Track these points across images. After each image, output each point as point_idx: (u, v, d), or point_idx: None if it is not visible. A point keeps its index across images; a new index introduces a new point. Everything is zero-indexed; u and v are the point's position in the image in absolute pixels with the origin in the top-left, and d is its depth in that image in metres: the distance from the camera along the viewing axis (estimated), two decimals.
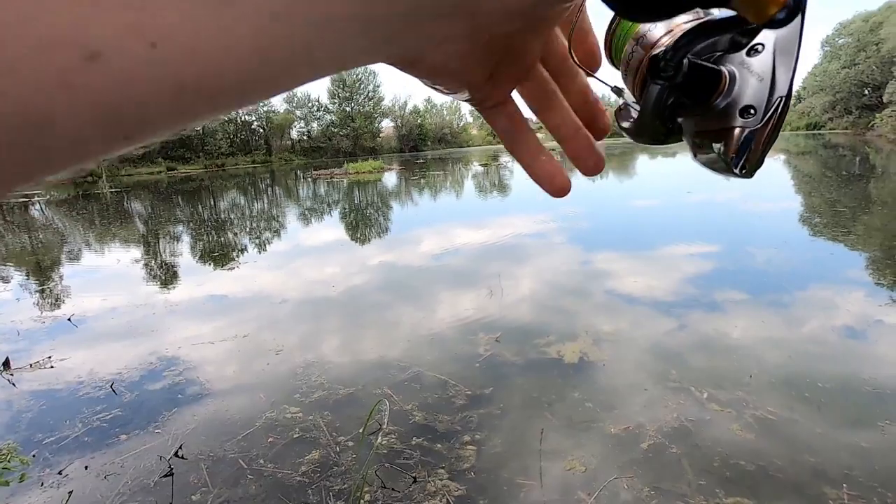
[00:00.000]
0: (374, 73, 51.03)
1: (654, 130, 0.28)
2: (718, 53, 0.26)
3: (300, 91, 50.72)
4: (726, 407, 2.29)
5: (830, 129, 42.66)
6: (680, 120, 0.28)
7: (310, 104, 50.43)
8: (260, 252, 7.05)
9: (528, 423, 2.27)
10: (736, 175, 0.26)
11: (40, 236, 10.04)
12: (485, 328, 3.38)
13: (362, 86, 50.58)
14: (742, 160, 0.25)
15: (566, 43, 0.27)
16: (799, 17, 0.21)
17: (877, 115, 34.10)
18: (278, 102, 49.43)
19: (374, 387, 2.67)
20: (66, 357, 3.38)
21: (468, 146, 55.91)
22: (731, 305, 3.63)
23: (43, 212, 15.52)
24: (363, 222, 9.39)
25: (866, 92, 39.42)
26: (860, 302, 3.57)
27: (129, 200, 17.36)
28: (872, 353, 2.82)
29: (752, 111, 0.24)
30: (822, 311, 3.47)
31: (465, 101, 0.26)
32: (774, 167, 16.57)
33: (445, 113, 56.68)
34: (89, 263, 6.95)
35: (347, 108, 50.00)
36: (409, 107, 54.27)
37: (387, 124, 54.41)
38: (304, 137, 51.26)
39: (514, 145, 0.29)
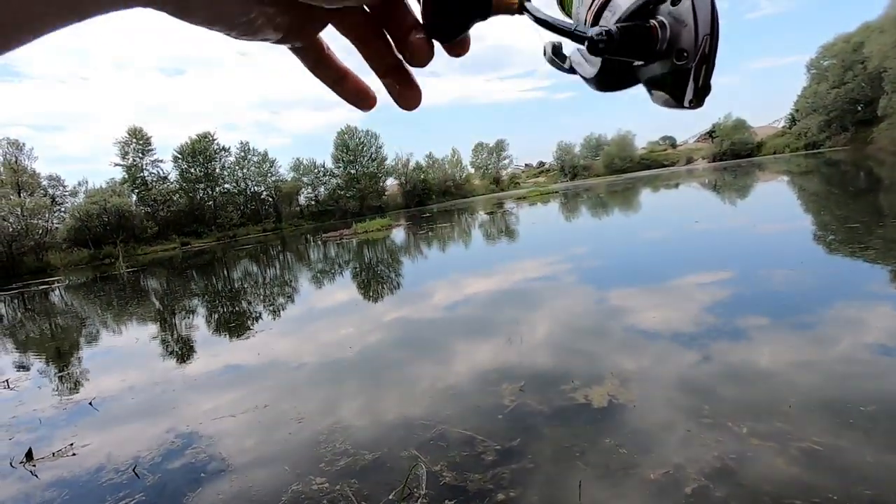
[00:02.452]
0: (375, 135, 52.96)
1: (608, 84, 0.33)
2: (651, 7, 0.29)
3: (306, 158, 52.49)
4: (768, 440, 2.19)
5: (830, 147, 42.89)
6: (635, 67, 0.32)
7: (315, 170, 52.04)
8: (274, 319, 7.07)
9: (563, 475, 2.18)
10: (686, 107, 0.30)
11: (59, 321, 10.19)
12: (507, 378, 3.31)
13: (365, 148, 52.32)
14: (688, 94, 0.29)
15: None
16: None
17: (873, 129, 34.37)
18: (285, 171, 51.17)
19: (400, 449, 2.59)
20: (88, 442, 3.35)
21: (472, 196, 56.81)
22: (756, 331, 3.54)
23: (62, 297, 15.82)
24: (375, 280, 9.44)
25: (859, 108, 39.90)
26: (889, 317, 3.46)
27: (145, 278, 17.68)
28: None
29: (686, 54, 0.28)
30: (851, 329, 3.36)
31: (260, 39, 0.28)
32: (780, 188, 16.57)
33: (447, 166, 58.07)
34: (108, 344, 6.99)
35: (352, 171, 51.49)
36: (412, 164, 55.77)
37: (391, 182, 55.74)
38: (312, 202, 52.54)
39: (321, 75, 0.32)
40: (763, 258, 5.95)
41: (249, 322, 7.01)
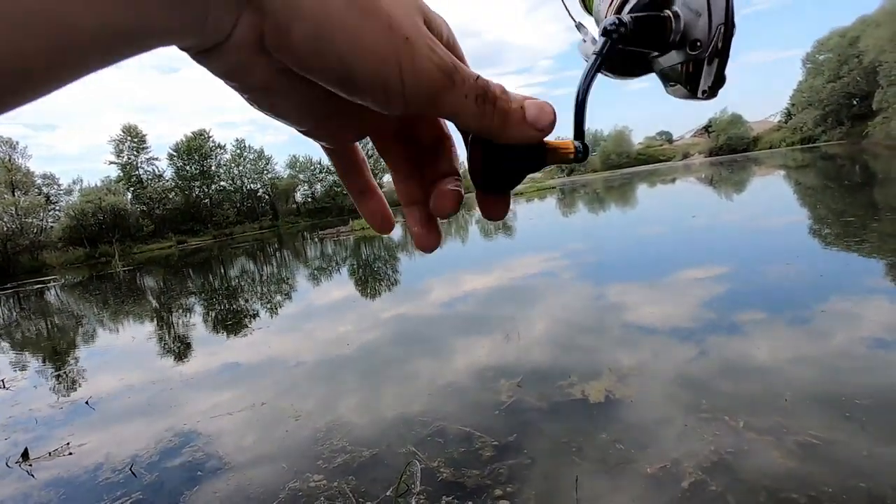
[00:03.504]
0: None
1: (623, 70, 0.33)
2: None
3: (302, 155, 52.37)
4: (765, 434, 2.19)
5: (825, 142, 43.02)
6: (652, 58, 0.32)
7: (312, 167, 51.92)
8: (272, 316, 7.06)
9: (561, 470, 2.18)
10: (700, 98, 0.29)
11: (55, 321, 10.15)
12: (505, 374, 3.31)
13: (362, 144, 52.15)
14: (701, 85, 0.29)
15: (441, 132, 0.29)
16: None
17: (869, 123, 34.47)
18: (281, 168, 51.03)
19: (398, 445, 2.59)
20: (85, 442, 3.34)
21: (469, 192, 56.63)
22: (752, 326, 3.54)
23: (58, 296, 15.76)
24: (372, 277, 9.43)
25: (854, 102, 40.02)
26: (885, 310, 3.48)
27: (142, 277, 17.63)
28: None
29: (699, 43, 0.28)
30: (847, 323, 3.38)
31: (304, 133, 0.27)
32: (776, 182, 16.62)
33: None
34: (104, 343, 6.97)
35: None
36: None
37: (388, 179, 55.58)
38: (309, 199, 52.46)
39: (347, 182, 0.30)
40: (760, 253, 5.97)
41: (247, 320, 7.00)
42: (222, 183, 47.80)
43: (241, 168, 48.65)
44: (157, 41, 0.18)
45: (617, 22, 0.28)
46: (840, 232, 6.48)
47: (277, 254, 19.76)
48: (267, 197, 49.61)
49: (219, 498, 2.41)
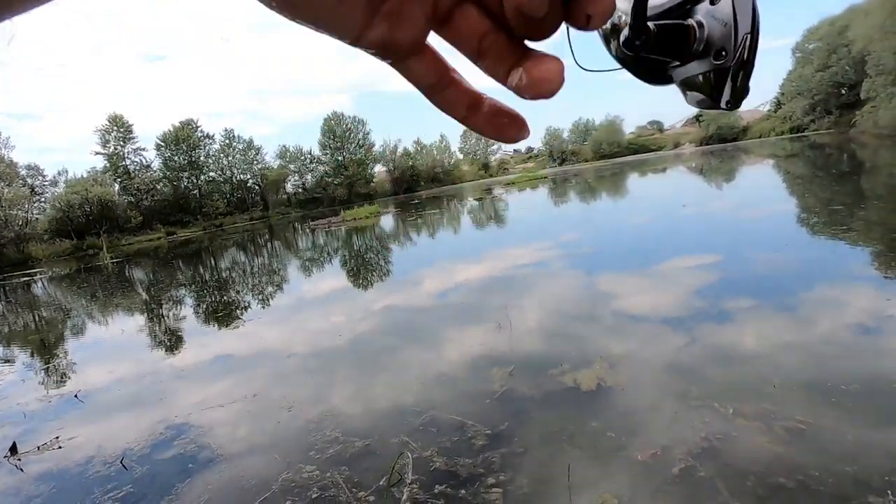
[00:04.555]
0: (362, 121, 52.44)
1: (644, 76, 0.32)
2: (687, 7, 0.29)
3: (292, 145, 51.85)
4: (754, 420, 2.22)
5: (814, 131, 43.34)
6: (670, 68, 0.31)
7: (302, 157, 51.45)
8: (263, 308, 7.02)
9: (553, 458, 2.20)
10: (723, 109, 0.29)
11: (43, 313, 10.02)
12: (497, 363, 3.32)
13: (352, 135, 51.79)
14: (725, 95, 0.28)
15: None
16: None
17: (856, 112, 34.75)
18: (271, 158, 50.51)
19: (391, 435, 2.59)
20: (75, 435, 3.31)
21: (461, 182, 56.66)
22: (741, 313, 3.58)
23: (45, 288, 15.55)
24: (364, 268, 9.40)
25: (843, 91, 40.28)
26: (870, 297, 3.52)
27: (131, 269, 17.44)
28: (891, 348, 2.76)
29: (724, 53, 0.27)
30: (834, 310, 3.42)
31: (355, 44, 0.22)
32: (765, 171, 16.74)
33: (436, 152, 57.77)
34: (94, 336, 6.90)
35: (339, 158, 51.02)
36: (400, 150, 55.36)
37: (379, 169, 55.34)
38: (300, 190, 52.05)
39: (443, 102, 0.24)
40: (749, 241, 6.02)
41: (238, 311, 6.96)
42: (211, 173, 47.22)
43: (230, 158, 48.07)
44: None
45: (639, 32, 0.28)
46: (827, 220, 6.55)
47: (268, 245, 19.63)
48: (257, 188, 49.13)
49: (211, 490, 2.41)
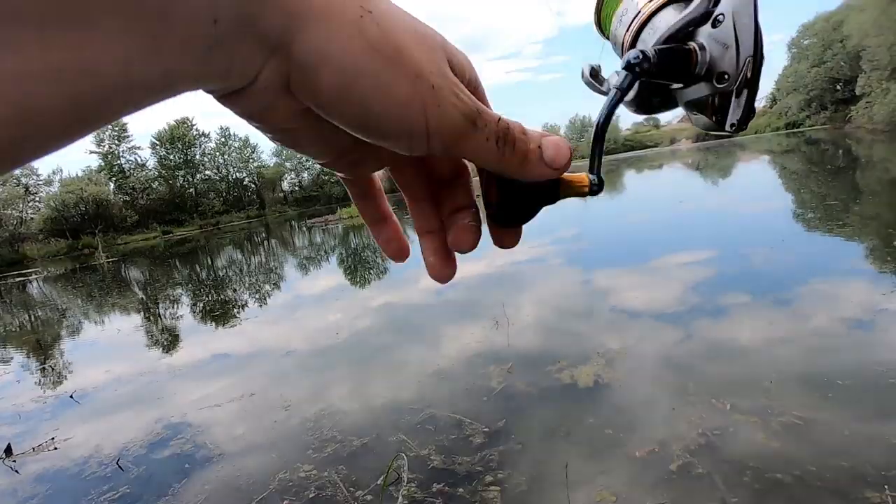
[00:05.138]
0: None
1: (648, 106, 0.32)
2: (690, 29, 0.29)
3: None
4: (751, 416, 2.23)
5: (810, 126, 43.49)
6: (673, 89, 0.31)
7: (298, 155, 51.23)
8: (261, 306, 7.00)
9: (551, 455, 2.20)
10: (728, 132, 0.29)
11: (39, 313, 9.98)
12: (495, 360, 3.32)
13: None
14: (729, 118, 0.28)
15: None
16: None
17: (852, 107, 34.87)
18: (267, 156, 50.36)
19: (389, 434, 2.59)
20: (70, 436, 3.29)
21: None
22: (738, 309, 3.59)
23: (40, 288, 15.48)
24: (361, 265, 9.39)
25: (838, 87, 40.42)
26: (865, 292, 3.54)
27: (127, 268, 17.38)
28: (885, 342, 2.77)
29: (727, 76, 0.27)
30: (829, 305, 3.43)
31: (323, 165, 0.27)
32: (761, 167, 16.79)
33: None
34: (90, 336, 6.87)
35: None
36: None
37: None
38: (296, 188, 51.93)
39: (362, 208, 0.30)
40: (745, 237, 6.03)
41: (235, 310, 6.94)
42: (207, 172, 47.05)
43: (226, 157, 47.89)
44: (181, 89, 0.18)
45: (641, 56, 0.28)
46: (823, 215, 6.57)
47: (265, 243, 19.58)
48: (253, 186, 49.00)
49: (208, 490, 2.40)
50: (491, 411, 2.64)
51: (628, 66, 0.28)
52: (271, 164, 50.29)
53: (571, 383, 2.82)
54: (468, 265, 7.00)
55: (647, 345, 3.22)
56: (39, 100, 0.14)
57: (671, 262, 5.32)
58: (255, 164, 48.94)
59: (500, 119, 0.23)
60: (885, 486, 1.68)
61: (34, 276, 19.91)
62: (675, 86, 0.30)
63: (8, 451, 3.15)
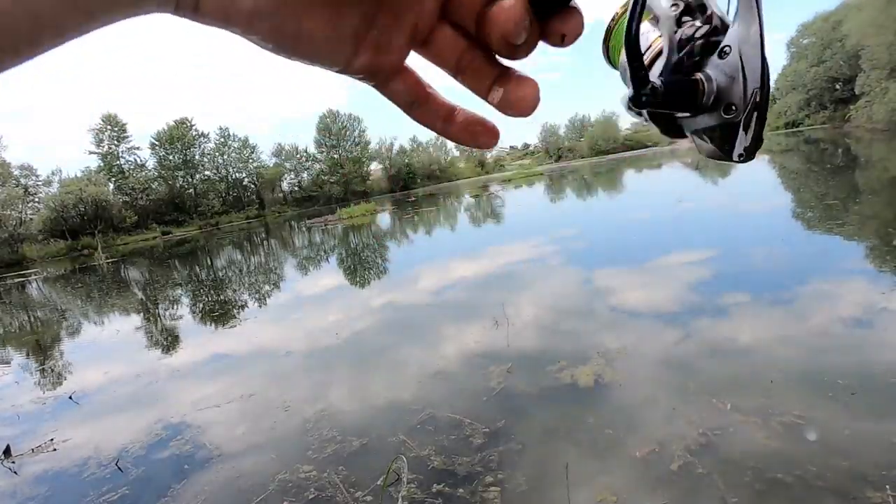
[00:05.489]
0: (358, 118, 52.22)
1: (661, 130, 0.32)
2: (696, 59, 0.29)
3: (287, 144, 51.66)
4: (751, 416, 2.22)
5: (809, 126, 43.47)
6: (679, 119, 0.31)
7: (298, 155, 51.25)
8: (260, 307, 7.00)
9: (551, 455, 2.19)
10: (736, 161, 0.29)
11: (38, 314, 9.96)
12: (494, 360, 3.31)
13: (348, 132, 51.61)
14: (736, 149, 0.28)
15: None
16: (756, 12, 0.26)
17: (851, 107, 34.87)
18: (266, 157, 50.34)
19: (389, 434, 2.58)
20: (69, 437, 3.29)
21: (457, 179, 56.57)
22: (738, 308, 3.58)
23: (40, 289, 15.46)
24: (361, 266, 9.38)
25: (837, 86, 40.37)
26: (864, 291, 3.53)
27: (126, 269, 17.36)
28: (885, 341, 2.77)
29: (734, 107, 0.27)
30: (828, 304, 3.43)
31: (343, 72, 0.23)
32: (761, 167, 16.78)
33: (431, 150, 57.63)
34: (89, 337, 6.86)
35: (335, 155, 50.83)
36: (396, 147, 55.24)
37: (375, 167, 55.22)
38: (296, 188, 51.88)
39: (421, 116, 0.26)
40: (745, 236, 6.03)
41: (235, 311, 6.93)
42: (206, 172, 46.98)
43: (225, 157, 47.82)
44: (138, 5, 0.17)
45: (648, 87, 0.28)
46: (822, 215, 6.57)
47: (265, 243, 19.57)
48: (253, 186, 48.94)
49: (208, 491, 2.39)
50: (491, 411, 2.64)
51: (634, 98, 0.28)
52: (271, 165, 50.25)
53: (571, 383, 2.81)
54: (468, 265, 7.00)
55: (647, 345, 3.22)
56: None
57: (671, 261, 5.31)
58: (255, 165, 48.88)
59: None
60: (887, 487, 1.68)
61: (33, 277, 19.88)
62: (682, 115, 0.30)
63: (7, 452, 3.14)
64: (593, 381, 2.80)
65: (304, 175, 51.88)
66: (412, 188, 52.22)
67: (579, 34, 0.24)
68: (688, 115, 0.30)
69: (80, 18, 0.16)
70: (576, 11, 0.23)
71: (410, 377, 3.34)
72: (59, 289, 14.70)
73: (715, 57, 0.28)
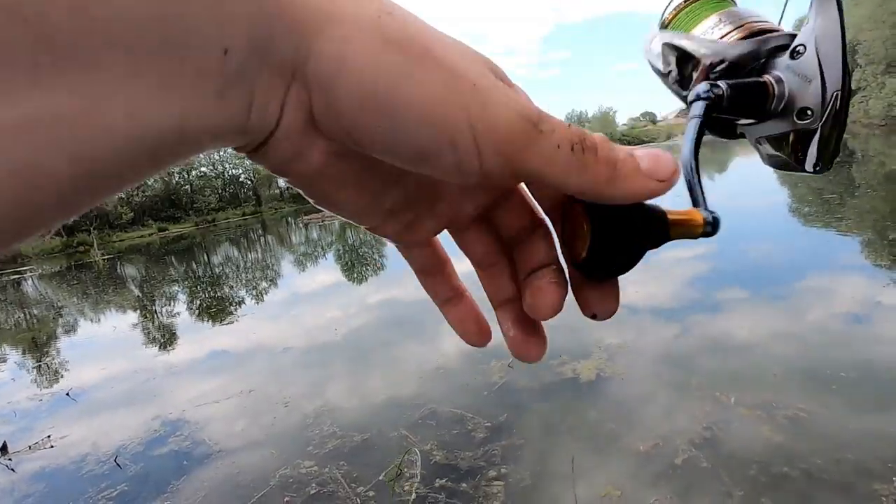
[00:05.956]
0: None
1: (721, 133, 0.30)
2: (762, 60, 0.26)
3: None
4: (755, 410, 2.21)
5: None
6: (741, 126, 0.29)
7: None
8: (258, 303, 6.96)
9: (554, 450, 2.18)
10: (810, 172, 0.26)
11: (34, 311, 9.90)
12: (495, 355, 3.29)
13: None
14: (811, 158, 0.25)
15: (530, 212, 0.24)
16: (836, 8, 0.23)
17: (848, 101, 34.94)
18: None
19: (390, 430, 2.57)
20: (67, 434, 3.26)
21: None
22: (737, 304, 3.58)
23: (35, 286, 15.38)
24: (358, 261, 9.35)
25: None
26: (864, 285, 3.53)
27: (122, 266, 17.28)
28: (885, 334, 2.76)
29: (810, 112, 0.24)
30: (828, 299, 3.42)
31: (374, 233, 0.24)
32: (757, 161, 16.80)
33: None
34: (86, 334, 6.82)
35: None
36: None
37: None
38: None
39: (426, 284, 0.26)
40: (742, 232, 6.03)
41: (232, 307, 6.90)
42: (203, 169, 46.75)
43: (221, 153, 47.58)
44: (196, 142, 0.15)
45: (711, 90, 0.25)
46: (819, 210, 6.58)
47: (262, 240, 19.50)
48: (249, 182, 48.79)
49: (208, 487, 2.37)
50: (492, 406, 2.62)
51: (699, 99, 0.25)
52: None
53: (573, 378, 2.80)
54: (465, 260, 6.97)
55: (648, 340, 3.21)
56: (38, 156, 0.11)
57: (669, 256, 5.31)
58: (251, 161, 48.69)
59: (570, 124, 0.19)
60: (894, 479, 1.67)
61: (29, 274, 19.76)
62: (745, 121, 0.28)
63: (3, 449, 3.11)
64: (595, 375, 2.79)
65: None
66: None
67: (611, 313, 0.24)
68: (753, 121, 0.27)
69: (148, 169, 0.14)
70: (615, 290, 0.23)
71: (410, 372, 3.33)
72: (55, 286, 14.61)
73: (785, 57, 0.25)
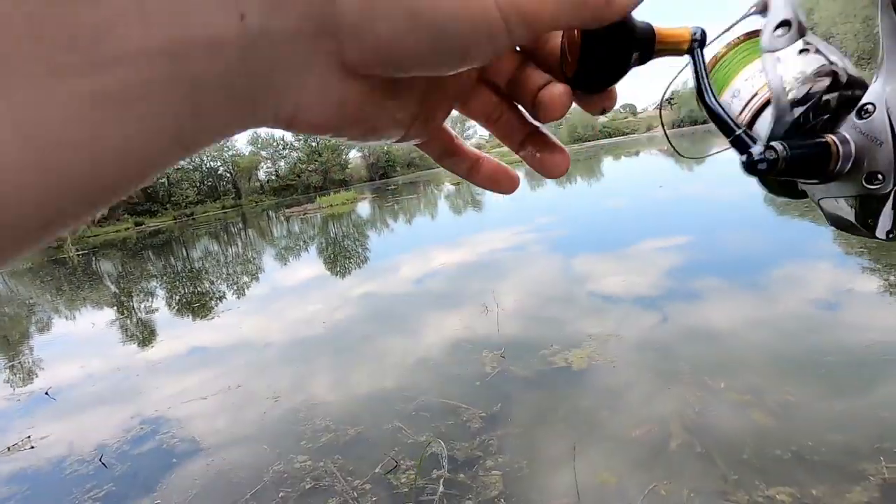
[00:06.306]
0: None
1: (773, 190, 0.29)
2: (825, 118, 0.24)
3: (264, 132, 50.60)
4: (744, 394, 2.25)
5: None
6: (802, 186, 0.27)
7: (275, 143, 50.26)
8: (239, 298, 6.84)
9: (550, 438, 2.19)
10: (881, 239, 0.24)
11: (6, 309, 9.58)
12: (486, 346, 3.30)
13: None
14: (883, 224, 0.23)
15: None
16: None
17: None
18: (242, 145, 49.24)
19: (384, 422, 2.55)
20: (47, 434, 3.16)
21: (437, 167, 56.25)
22: (725, 292, 3.64)
23: (6, 283, 14.88)
24: (342, 255, 9.26)
25: None
26: (840, 273, 3.62)
27: (98, 261, 16.83)
28: (862, 320, 2.83)
29: (880, 177, 0.22)
30: (807, 286, 3.50)
31: (396, 142, 0.25)
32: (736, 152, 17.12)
33: None
34: (62, 331, 6.62)
35: (313, 143, 49.97)
36: None
37: (354, 154, 54.58)
38: (273, 177, 50.96)
39: (450, 165, 0.28)
40: (722, 222, 6.13)
41: (213, 302, 6.77)
42: (180, 161, 45.79)
43: None
44: (218, 127, 0.17)
45: (768, 152, 0.24)
46: (795, 201, 6.71)
47: (242, 233, 19.18)
48: (228, 175, 47.89)
49: (199, 484, 2.32)
50: (486, 396, 2.62)
51: (749, 165, 0.25)
52: (247, 153, 49.18)
53: (565, 366, 2.81)
54: (452, 253, 6.97)
55: (638, 327, 3.24)
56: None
57: (652, 246, 5.37)
58: (230, 153, 47.75)
59: None
60: (881, 458, 1.72)
61: None
62: (807, 182, 0.26)
63: None
64: (587, 363, 2.80)
65: (282, 163, 50.96)
66: (392, 176, 51.82)
67: (614, 106, 0.26)
68: (815, 182, 0.25)
69: (177, 154, 0.16)
70: (614, 92, 0.24)
71: (401, 365, 3.31)
72: (27, 282, 14.15)
73: (852, 116, 0.23)
